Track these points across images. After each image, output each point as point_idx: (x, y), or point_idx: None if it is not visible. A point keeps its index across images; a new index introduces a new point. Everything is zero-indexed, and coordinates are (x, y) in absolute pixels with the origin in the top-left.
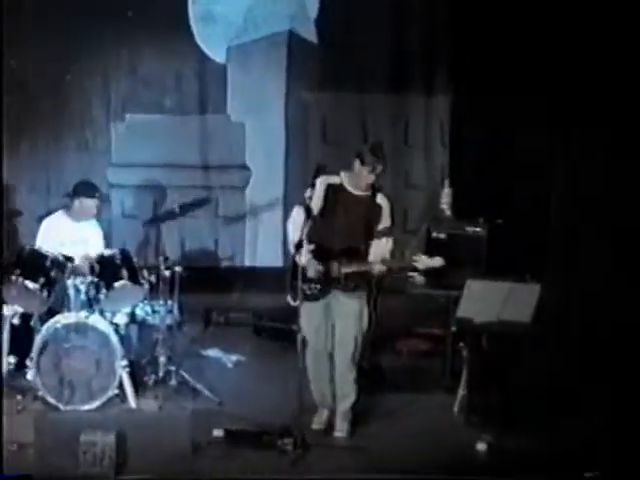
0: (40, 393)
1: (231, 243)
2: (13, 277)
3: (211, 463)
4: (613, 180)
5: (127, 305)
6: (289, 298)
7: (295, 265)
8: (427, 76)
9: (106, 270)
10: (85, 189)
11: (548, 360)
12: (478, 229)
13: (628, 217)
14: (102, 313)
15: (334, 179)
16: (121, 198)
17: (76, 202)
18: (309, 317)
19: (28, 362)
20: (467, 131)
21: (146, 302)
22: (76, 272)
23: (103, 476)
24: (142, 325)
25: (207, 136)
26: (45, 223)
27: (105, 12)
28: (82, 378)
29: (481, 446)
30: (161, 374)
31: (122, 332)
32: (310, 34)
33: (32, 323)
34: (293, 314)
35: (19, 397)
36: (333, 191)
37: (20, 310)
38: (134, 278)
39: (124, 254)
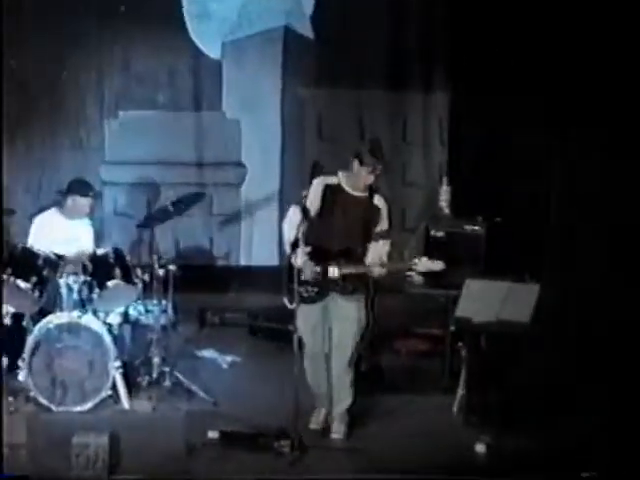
0: (32, 394)
1: (226, 241)
2: (4, 276)
3: (206, 465)
4: (611, 179)
5: (120, 305)
6: (286, 301)
7: (291, 267)
8: (425, 73)
9: (99, 269)
10: (79, 187)
11: (547, 360)
12: (477, 227)
13: (626, 215)
14: (95, 313)
15: (332, 179)
16: (114, 196)
17: (69, 200)
18: (306, 319)
19: (20, 363)
20: (466, 129)
21: (140, 302)
22: (68, 271)
23: (96, 479)
24: (136, 325)
25: (202, 133)
26: (37, 221)
27: (98, 8)
28: (75, 379)
29: (480, 447)
30: (155, 375)
31: (115, 332)
32: (306, 30)
33: (24, 323)
34: (289, 314)
35: (11, 398)
36: (331, 192)
37: (12, 310)
38: (127, 277)
39: (117, 253)
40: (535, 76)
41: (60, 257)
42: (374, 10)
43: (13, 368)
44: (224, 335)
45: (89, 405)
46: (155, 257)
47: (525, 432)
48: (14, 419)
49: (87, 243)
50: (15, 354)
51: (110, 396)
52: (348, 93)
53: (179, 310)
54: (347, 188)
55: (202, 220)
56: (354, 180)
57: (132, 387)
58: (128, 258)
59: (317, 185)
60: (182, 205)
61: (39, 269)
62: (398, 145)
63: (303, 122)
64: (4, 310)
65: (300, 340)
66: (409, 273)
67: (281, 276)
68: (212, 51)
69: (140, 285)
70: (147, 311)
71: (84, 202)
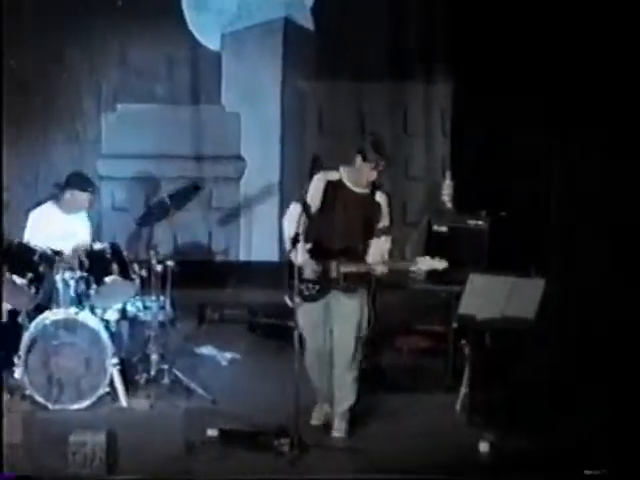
0: (28, 392)
1: (225, 236)
2: None
3: (205, 464)
4: (611, 178)
5: (118, 301)
6: (287, 299)
7: (291, 264)
8: (427, 63)
9: (96, 265)
10: (78, 181)
11: (552, 357)
12: (480, 222)
13: (626, 215)
14: (92, 309)
15: (333, 175)
16: (111, 190)
17: (67, 194)
18: (307, 317)
19: (16, 360)
20: (469, 120)
21: (137, 298)
22: (65, 267)
23: (93, 477)
24: (133, 322)
25: (201, 126)
26: (33, 215)
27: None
28: (71, 376)
29: (484, 446)
30: (153, 372)
31: (113, 329)
32: (306, 21)
33: (20, 320)
34: (289, 311)
35: (7, 397)
36: (332, 188)
37: (7, 306)
38: (125, 273)
39: (114, 248)
40: (537, 70)
41: (56, 252)
42: (375, 1)
43: (9, 366)
44: (223, 332)
45: (86, 403)
46: (153, 252)
47: (530, 431)
48: (10, 418)
49: (84, 238)
50: (10, 351)
51: (107, 394)
52: (349, 85)
53: (177, 306)
54: (349, 184)
55: (201, 215)
56: (356, 176)
57: (130, 385)
58: (125, 253)
59: (318, 181)
60: (180, 198)
61: (35, 265)
62: (400, 137)
63: (303, 115)
64: None
65: (301, 337)
66: (412, 268)
67: (281, 272)
68: (211, 43)
69: (138, 281)
70: (145, 307)
71: (83, 197)
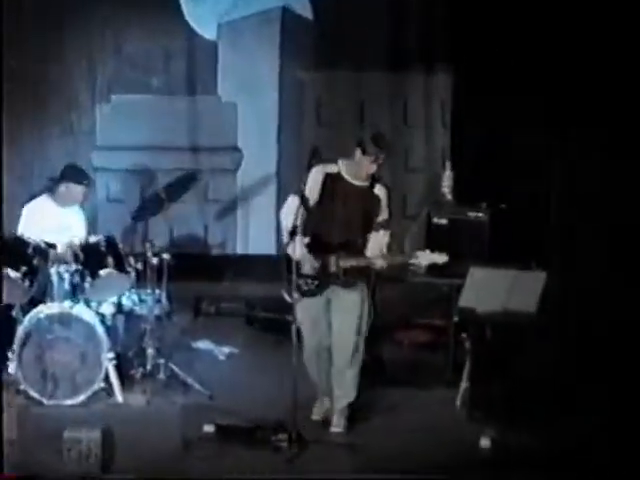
0: (22, 387)
1: (222, 229)
2: None
3: (202, 460)
4: (611, 173)
5: (113, 294)
6: (285, 295)
7: (289, 259)
8: (427, 54)
9: (91, 258)
10: (73, 174)
11: (554, 352)
12: (481, 214)
13: (626, 214)
14: (87, 303)
15: (332, 168)
16: (106, 182)
17: (62, 187)
18: (306, 312)
19: (9, 354)
20: (469, 111)
21: (133, 291)
22: (59, 260)
23: (88, 474)
24: (129, 315)
25: (197, 117)
26: (27, 208)
27: None
28: (66, 371)
29: (485, 441)
30: (149, 367)
31: (108, 323)
32: (305, 10)
33: (14, 314)
34: (288, 304)
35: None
36: (331, 181)
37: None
38: (120, 266)
39: (109, 241)
40: (538, 63)
41: (51, 245)
42: None
43: (2, 360)
44: (220, 326)
45: (81, 398)
46: (149, 245)
47: (531, 426)
48: (10, 413)
49: (79, 231)
50: (4, 346)
51: (103, 389)
52: (348, 75)
53: (174, 300)
54: (347, 177)
55: (197, 207)
56: (355, 169)
57: (125, 380)
58: (121, 246)
59: (316, 173)
60: (175, 190)
61: (29, 258)
62: (399, 128)
63: (301, 106)
64: None
65: (299, 331)
66: (412, 261)
67: (279, 265)
68: (207, 32)
69: (133, 274)
70: (141, 301)
71: (78, 190)
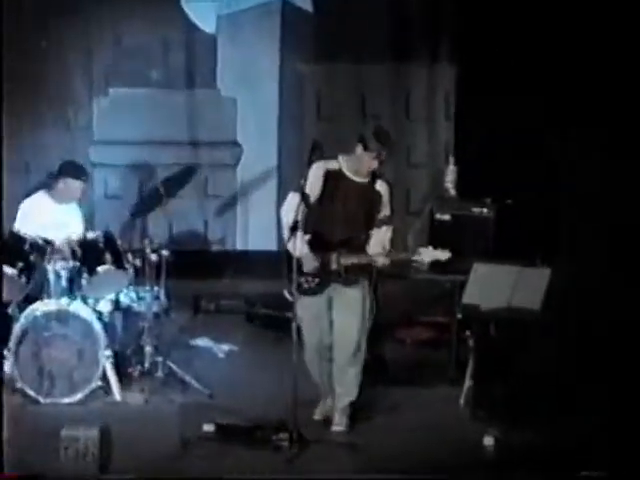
0: (18, 385)
1: (221, 225)
2: None
3: (201, 460)
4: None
5: (111, 291)
6: (286, 293)
7: (290, 256)
8: (430, 44)
9: (88, 254)
10: (72, 169)
11: (559, 348)
12: (485, 210)
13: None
14: (84, 300)
15: (332, 164)
16: (104, 178)
17: (61, 183)
18: (307, 310)
19: (6, 352)
20: (473, 104)
21: (131, 288)
22: (57, 256)
23: (86, 473)
24: (127, 313)
25: (196, 111)
26: (24, 205)
27: None
28: (63, 369)
29: (488, 440)
30: (147, 365)
31: (106, 320)
32: (305, 2)
33: (10, 311)
34: (288, 301)
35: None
36: (331, 177)
37: None
38: (118, 262)
39: (107, 237)
40: (546, 53)
41: (48, 242)
42: None
43: None
44: (220, 323)
45: (78, 396)
46: (147, 241)
47: (536, 426)
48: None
49: (76, 227)
50: (0, 343)
51: (100, 387)
52: (349, 68)
53: (172, 297)
54: (348, 174)
55: (196, 202)
56: (357, 165)
57: (123, 378)
58: (119, 242)
59: (317, 170)
60: (173, 185)
61: (26, 254)
62: (402, 122)
63: (302, 99)
64: None
65: (299, 329)
66: (415, 258)
67: (279, 261)
68: (206, 25)
69: (131, 271)
70: (139, 298)
71: (76, 185)
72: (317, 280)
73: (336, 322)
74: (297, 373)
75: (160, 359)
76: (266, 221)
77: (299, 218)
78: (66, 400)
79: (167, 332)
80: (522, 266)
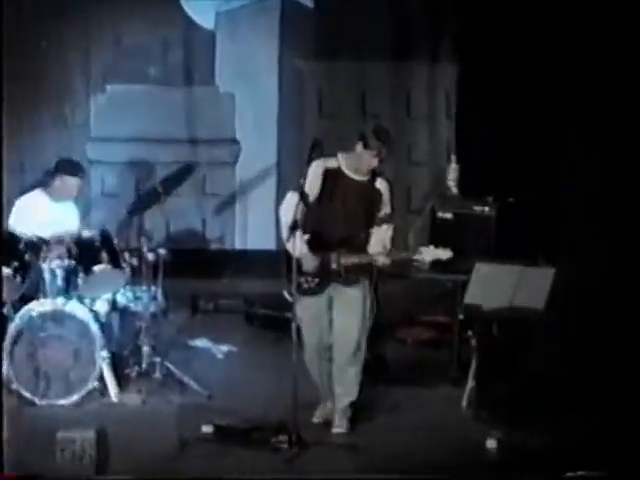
0: (14, 386)
1: (220, 224)
2: None
3: (199, 461)
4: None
5: (107, 291)
6: (286, 294)
7: (289, 256)
8: (431, 42)
9: (85, 253)
10: (69, 166)
11: (563, 349)
12: (487, 208)
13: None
14: (80, 300)
15: (331, 162)
16: (101, 175)
17: (57, 180)
18: (307, 310)
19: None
20: (475, 102)
21: (128, 287)
22: (52, 255)
23: (82, 476)
24: (124, 313)
25: (194, 108)
26: (19, 202)
27: None
28: (59, 370)
29: (491, 442)
30: (145, 366)
31: (102, 320)
32: None
33: (5, 311)
34: (287, 301)
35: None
36: (331, 176)
37: None
38: (115, 262)
39: (104, 235)
40: (549, 50)
41: (43, 240)
42: None
43: None
44: (218, 323)
45: (75, 398)
46: (144, 240)
47: (540, 427)
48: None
49: (73, 226)
50: None
51: (97, 388)
52: (349, 65)
53: (170, 297)
54: (348, 172)
55: (194, 201)
56: (356, 163)
57: (120, 379)
58: (116, 241)
59: (316, 168)
60: (172, 184)
61: (21, 253)
62: (402, 120)
63: (302, 96)
64: None
65: (299, 330)
66: (416, 257)
67: (279, 261)
68: (205, 21)
69: (128, 270)
70: (136, 297)
71: (73, 182)
72: (317, 280)
73: (336, 322)
74: (297, 374)
75: (158, 360)
76: (265, 220)
77: (298, 217)
78: (62, 401)
79: (165, 332)
80: (525, 265)
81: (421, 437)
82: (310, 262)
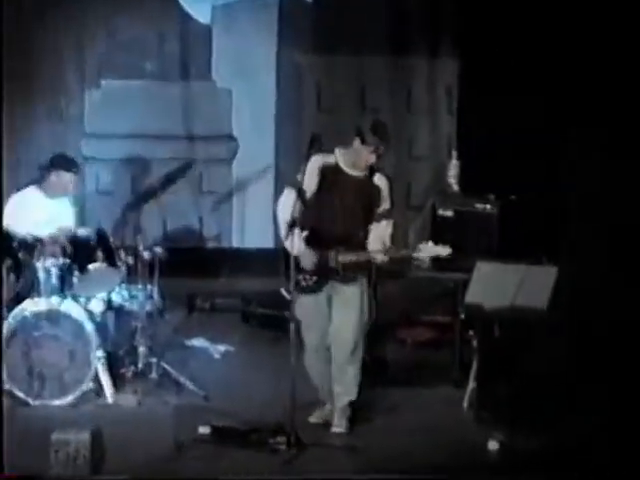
0: (7, 387)
1: (217, 221)
2: None
3: (196, 463)
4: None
5: (103, 290)
6: (284, 292)
7: (287, 254)
8: (432, 36)
9: (79, 251)
10: (63, 162)
11: (566, 349)
12: (489, 206)
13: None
14: (75, 299)
15: (329, 158)
16: (96, 172)
17: (52, 176)
18: (305, 309)
19: None
20: (477, 98)
21: (123, 286)
22: (47, 254)
23: (77, 478)
24: (119, 312)
25: (190, 104)
26: (14, 200)
27: None
28: (54, 370)
29: (493, 444)
30: (141, 366)
31: (98, 320)
32: None
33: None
34: (285, 300)
35: None
36: (328, 172)
37: None
38: (110, 260)
39: (100, 234)
40: (552, 44)
41: (37, 239)
42: None
43: None
44: (215, 322)
45: (69, 399)
46: (140, 238)
47: (542, 429)
48: None
49: (68, 223)
50: None
51: (92, 389)
52: (349, 60)
53: (166, 296)
54: (345, 168)
55: (191, 199)
56: (354, 158)
57: (116, 379)
58: (111, 239)
59: (314, 162)
60: (170, 182)
61: (14, 252)
62: (402, 115)
63: (300, 91)
64: None
65: (298, 329)
66: (415, 255)
67: (276, 259)
68: (201, 15)
69: (124, 268)
70: (131, 297)
71: (68, 178)
72: (315, 278)
73: (334, 320)
74: (295, 374)
75: (154, 360)
76: (263, 217)
77: (296, 215)
78: (57, 402)
79: (161, 332)
80: (527, 264)
81: (422, 438)
82: (308, 260)
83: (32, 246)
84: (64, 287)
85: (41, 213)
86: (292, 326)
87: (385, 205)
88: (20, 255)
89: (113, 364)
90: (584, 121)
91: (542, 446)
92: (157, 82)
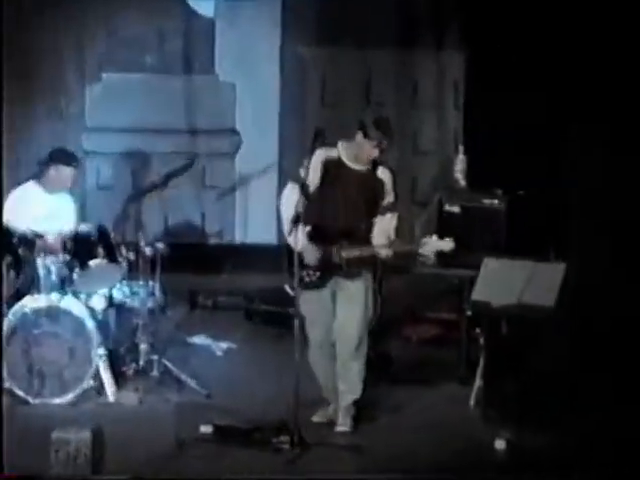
0: (7, 385)
1: (219, 217)
2: None
3: (197, 462)
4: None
5: (103, 286)
6: (287, 288)
7: (290, 249)
8: (438, 30)
9: (80, 247)
10: (63, 156)
11: (573, 347)
12: (496, 201)
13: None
14: (76, 295)
15: (332, 152)
16: (96, 167)
17: (52, 170)
18: (309, 305)
19: None
20: (484, 93)
21: (124, 283)
22: (47, 250)
23: (78, 477)
24: (120, 309)
25: (193, 97)
26: (13, 195)
27: None
28: (54, 368)
29: (500, 443)
30: (142, 363)
31: (98, 317)
32: None
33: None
34: (289, 296)
35: None
36: (331, 166)
37: None
38: (111, 256)
39: (101, 230)
40: (559, 39)
41: (37, 235)
42: None
43: None
44: (217, 320)
45: (70, 397)
46: (141, 234)
47: (550, 427)
48: None
49: (69, 218)
50: None
51: (93, 387)
52: (353, 53)
53: (168, 292)
54: (348, 162)
55: (193, 193)
56: (357, 152)
57: (117, 377)
58: (112, 235)
59: (317, 158)
60: (173, 177)
61: (14, 248)
62: (408, 109)
63: (304, 85)
64: None
65: (302, 326)
66: (420, 251)
67: (280, 255)
68: (204, 9)
69: (125, 265)
70: (133, 293)
71: (68, 172)
72: (318, 274)
73: (338, 316)
74: (299, 372)
75: (155, 357)
76: (266, 213)
77: (300, 210)
78: (57, 400)
79: (163, 329)
80: (535, 261)
81: (427, 437)
82: (312, 255)
83: (32, 242)
84: (64, 284)
85: (40, 208)
86: (297, 322)
87: (389, 198)
88: (20, 251)
89: (114, 361)
90: (592, 117)
91: (550, 444)
92: (159, 75)
